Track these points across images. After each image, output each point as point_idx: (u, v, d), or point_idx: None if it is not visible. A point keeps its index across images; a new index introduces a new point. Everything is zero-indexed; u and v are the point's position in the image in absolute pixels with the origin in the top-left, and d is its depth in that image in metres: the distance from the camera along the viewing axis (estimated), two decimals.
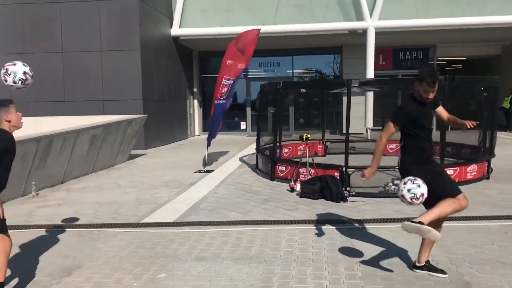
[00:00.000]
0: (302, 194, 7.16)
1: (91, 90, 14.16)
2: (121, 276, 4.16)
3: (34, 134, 7.78)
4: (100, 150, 10.02)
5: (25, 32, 14.26)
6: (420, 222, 3.64)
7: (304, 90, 14.72)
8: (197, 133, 20.36)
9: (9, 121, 3.52)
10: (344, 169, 7.35)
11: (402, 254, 4.57)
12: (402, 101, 4.03)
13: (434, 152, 4.55)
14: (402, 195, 3.66)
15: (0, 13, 14.34)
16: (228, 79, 9.83)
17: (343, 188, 7.06)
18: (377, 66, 17.30)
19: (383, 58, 19.57)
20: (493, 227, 5.40)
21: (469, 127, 3.88)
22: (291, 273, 4.13)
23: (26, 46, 14.20)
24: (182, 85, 18.45)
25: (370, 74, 16.25)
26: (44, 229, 5.71)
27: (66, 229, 5.71)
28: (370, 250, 4.69)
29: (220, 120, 10.47)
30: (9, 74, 3.53)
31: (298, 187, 7.46)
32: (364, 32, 16.41)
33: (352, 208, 6.48)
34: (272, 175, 8.71)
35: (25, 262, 4.56)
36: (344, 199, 6.83)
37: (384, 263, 4.34)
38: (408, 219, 3.76)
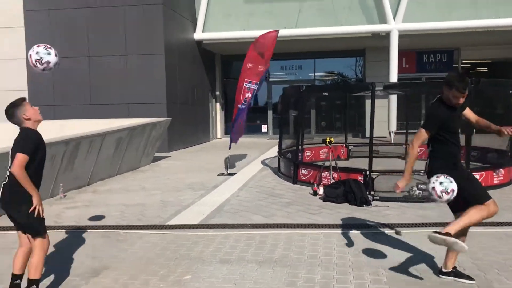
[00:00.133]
0: (325, 198, 7.15)
1: (117, 94, 14.41)
2: (147, 278, 4.23)
3: (62, 137, 7.97)
4: (125, 152, 10.19)
5: (53, 37, 14.58)
6: (447, 234, 3.61)
7: (326, 93, 14.69)
8: (219, 136, 20.49)
9: (29, 118, 3.60)
10: (368, 173, 7.32)
11: (428, 259, 4.53)
12: (432, 106, 3.97)
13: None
14: (433, 187, 3.57)
15: (29, 19, 14.73)
16: (249, 82, 9.91)
17: (367, 192, 7.03)
18: (400, 69, 17.13)
19: (406, 61, 19.37)
20: None
21: (507, 134, 3.78)
22: (316, 277, 4.14)
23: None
24: (205, 89, 18.61)
25: (394, 77, 16.12)
26: (72, 230, 5.84)
27: (93, 230, 5.84)
28: (395, 255, 4.66)
29: (243, 123, 10.54)
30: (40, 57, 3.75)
31: (321, 191, 7.44)
32: (387, 35, 16.29)
33: (376, 213, 6.44)
34: (294, 179, 8.71)
35: (55, 262, 4.67)
36: (368, 203, 6.80)
37: (409, 268, 4.31)
38: (436, 232, 3.70)
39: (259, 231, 5.65)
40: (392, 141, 15.60)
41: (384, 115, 16.34)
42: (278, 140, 10.54)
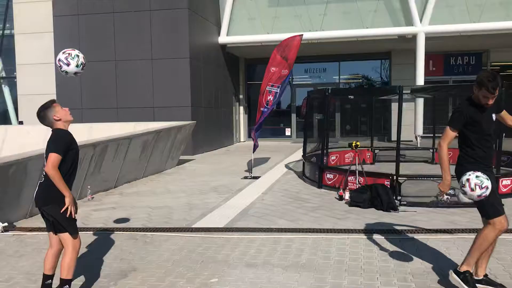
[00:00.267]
0: (351, 203, 7.08)
1: (142, 97, 14.62)
2: (174, 280, 4.26)
3: (90, 140, 8.12)
4: (151, 155, 10.31)
5: (81, 42, 14.89)
6: (466, 272, 3.71)
7: (352, 97, 14.59)
8: (242, 139, 20.55)
9: (60, 119, 3.68)
10: (395, 178, 7.22)
11: (457, 266, 4.42)
12: (459, 104, 3.90)
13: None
14: (468, 179, 3.45)
15: (58, 24, 15.08)
16: (272, 86, 9.92)
17: (394, 198, 6.93)
18: (427, 72, 16.89)
19: (433, 63, 19.08)
20: None
21: None
22: (343, 283, 4.10)
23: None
24: (229, 92, 18.71)
25: (420, 80, 15.90)
26: (100, 232, 5.93)
27: (121, 232, 5.91)
28: (423, 262, 4.58)
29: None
30: (73, 58, 3.86)
31: (347, 195, 7.38)
32: (413, 38, 16.09)
33: (403, 218, 6.35)
34: (319, 183, 8.66)
35: (84, 263, 4.75)
36: (395, 208, 6.71)
37: (438, 275, 4.23)
38: (455, 271, 3.83)
39: (284, 235, 5.63)
40: (419, 145, 15.37)
41: (410, 118, 16.12)
42: (301, 144, 10.50)
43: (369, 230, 5.74)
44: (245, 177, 10.12)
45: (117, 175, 9.14)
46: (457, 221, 6.06)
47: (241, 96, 20.45)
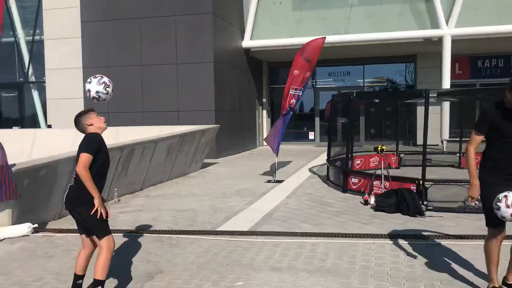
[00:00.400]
0: (377, 208, 7.01)
1: (167, 101, 14.80)
2: (200, 283, 4.30)
3: (117, 143, 8.26)
4: (176, 159, 10.43)
5: (107, 47, 15.19)
6: None
7: (377, 100, 14.49)
8: (265, 143, 20.53)
9: (91, 124, 3.78)
10: (421, 183, 7.12)
11: (485, 272, 4.34)
12: (486, 107, 3.83)
13: None
14: (506, 196, 3.34)
15: (85, 29, 15.40)
16: (295, 89, 9.92)
17: (420, 202, 6.84)
18: (453, 75, 16.62)
19: (459, 66, 18.76)
20: None
21: None
22: None
23: (109, 60, 15.13)
24: (252, 96, 18.77)
25: (446, 83, 15.65)
26: (127, 234, 6.02)
27: (147, 234, 6.00)
28: (451, 267, 4.51)
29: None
30: (109, 85, 3.92)
31: (372, 200, 7.31)
32: (439, 40, 15.86)
33: (430, 223, 6.26)
34: (344, 187, 8.60)
35: (111, 265, 4.82)
36: (421, 213, 6.62)
37: (467, 281, 4.15)
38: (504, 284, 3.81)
39: (309, 239, 5.61)
40: (445, 149, 15.12)
41: (436, 122, 15.87)
42: (324, 148, 10.45)
43: (395, 235, 5.68)
44: (269, 181, 10.13)
45: (143, 177, 9.27)
46: (485, 227, 5.93)
47: (264, 100, 20.49)
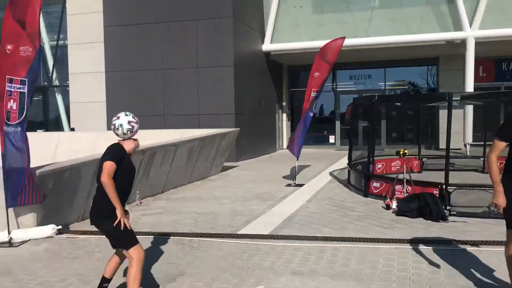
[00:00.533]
0: (399, 212, 6.93)
1: (188, 105, 14.91)
2: (221, 286, 4.31)
3: (140, 146, 8.33)
4: (196, 162, 10.49)
5: (129, 51, 15.39)
6: None
7: (399, 104, 14.33)
8: (285, 146, 20.51)
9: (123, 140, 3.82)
10: (444, 187, 7.01)
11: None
12: (510, 112, 3.75)
13: None
14: None
15: (108, 34, 15.65)
16: (316, 92, 9.90)
17: (443, 207, 6.73)
18: (477, 78, 16.33)
19: (483, 69, 18.43)
20: None
21: None
22: None
23: (132, 65, 15.33)
24: (272, 99, 18.78)
25: (470, 86, 15.39)
26: (149, 236, 6.08)
27: (169, 237, 6.04)
28: (476, 274, 4.43)
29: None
30: (118, 128, 3.78)
31: (394, 204, 7.22)
32: (462, 43, 15.62)
33: (453, 229, 6.15)
34: (365, 191, 8.52)
35: None
36: (444, 218, 6.51)
37: None
38: None
39: (330, 244, 5.58)
40: (468, 154, 14.85)
41: (458, 126, 15.60)
42: (345, 152, 10.38)
43: (417, 240, 5.60)
44: (289, 185, 10.11)
45: (164, 180, 9.35)
46: None
47: (284, 103, 20.47)
